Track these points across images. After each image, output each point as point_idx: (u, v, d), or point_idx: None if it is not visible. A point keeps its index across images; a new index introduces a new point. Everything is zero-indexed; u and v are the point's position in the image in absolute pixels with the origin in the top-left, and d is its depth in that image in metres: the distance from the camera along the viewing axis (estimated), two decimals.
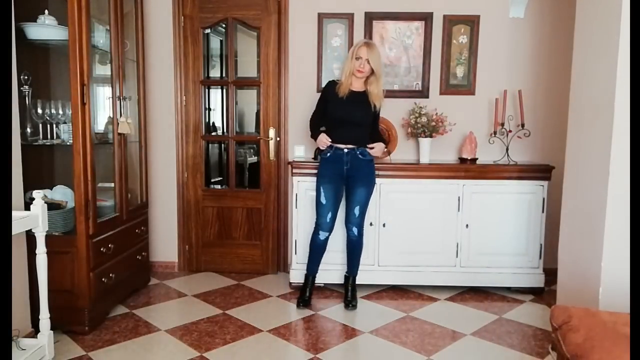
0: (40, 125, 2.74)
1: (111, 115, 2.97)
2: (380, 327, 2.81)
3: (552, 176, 3.32)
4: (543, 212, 3.32)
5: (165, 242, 3.80)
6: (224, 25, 3.77)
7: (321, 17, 3.57)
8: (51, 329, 2.24)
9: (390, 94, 3.62)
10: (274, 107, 3.68)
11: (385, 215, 3.32)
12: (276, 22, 3.60)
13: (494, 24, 3.57)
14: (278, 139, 3.69)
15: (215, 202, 3.78)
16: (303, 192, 3.33)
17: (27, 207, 2.24)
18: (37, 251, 2.14)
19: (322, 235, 3.06)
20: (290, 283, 3.43)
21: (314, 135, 3.09)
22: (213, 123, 4.21)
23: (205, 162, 3.82)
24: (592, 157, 2.33)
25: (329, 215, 3.03)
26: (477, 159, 3.47)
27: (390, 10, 3.56)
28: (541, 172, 3.32)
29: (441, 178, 3.32)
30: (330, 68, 3.61)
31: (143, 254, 3.35)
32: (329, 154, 3.02)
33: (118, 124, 2.93)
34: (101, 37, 2.93)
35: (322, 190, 3.02)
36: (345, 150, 2.99)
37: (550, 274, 3.22)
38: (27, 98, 2.67)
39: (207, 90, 3.90)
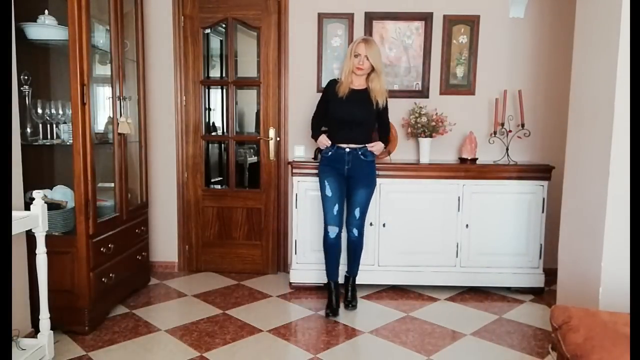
0: (40, 125, 2.75)
1: (111, 115, 2.97)
2: (380, 327, 2.81)
3: (552, 176, 3.32)
4: (543, 212, 3.32)
5: (165, 242, 3.80)
6: (224, 25, 3.78)
7: (321, 17, 3.57)
8: (51, 329, 2.25)
9: (390, 94, 3.60)
10: (274, 107, 3.68)
11: (385, 215, 3.32)
12: (276, 22, 3.60)
13: (494, 24, 3.57)
14: (278, 139, 3.69)
15: (215, 202, 3.78)
16: (303, 192, 3.33)
17: (27, 207, 2.24)
18: (37, 251, 2.14)
19: (332, 231, 3.00)
20: (290, 283, 3.43)
21: (315, 136, 3.08)
22: (213, 123, 4.21)
23: (205, 162, 3.82)
24: (592, 157, 2.33)
25: (336, 207, 2.99)
26: (477, 159, 3.47)
27: (390, 10, 3.56)
28: (541, 172, 3.32)
29: (441, 178, 3.32)
30: (330, 68, 3.61)
31: (143, 254, 3.35)
32: (330, 153, 3.02)
33: (118, 124, 2.93)
34: (101, 37, 2.93)
35: (326, 183, 3.00)
36: (347, 149, 2.99)
37: (550, 274, 3.22)
38: (27, 98, 2.67)
39: (207, 90, 3.91)
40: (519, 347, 2.60)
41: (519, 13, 3.55)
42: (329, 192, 3.00)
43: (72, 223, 2.64)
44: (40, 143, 2.75)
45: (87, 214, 2.60)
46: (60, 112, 2.75)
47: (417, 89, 3.64)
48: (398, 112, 3.60)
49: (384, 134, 3.11)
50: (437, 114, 3.51)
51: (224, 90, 4.08)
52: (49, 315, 2.21)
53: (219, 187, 4.10)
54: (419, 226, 3.33)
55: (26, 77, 2.65)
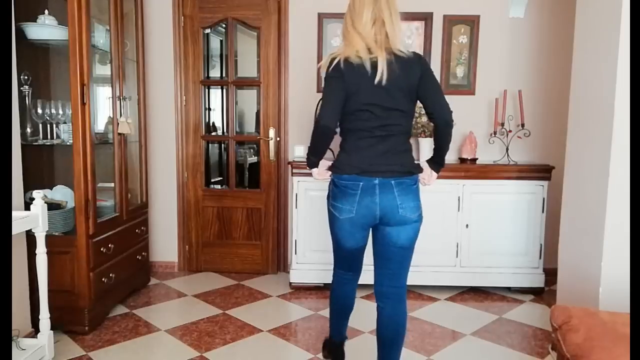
0: (40, 125, 2.75)
1: (111, 115, 2.97)
2: None
3: (552, 176, 3.32)
4: (543, 212, 3.32)
5: (165, 242, 3.80)
6: (224, 25, 3.78)
7: (321, 17, 3.57)
8: (51, 329, 2.25)
9: None
10: (274, 107, 3.68)
11: None
12: (276, 22, 3.60)
13: (494, 24, 3.57)
14: (278, 139, 3.69)
15: (215, 202, 3.78)
16: (303, 192, 3.33)
17: (27, 207, 2.24)
18: (37, 251, 2.14)
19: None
20: (290, 283, 3.43)
21: None
22: (213, 123, 4.21)
23: (205, 162, 3.82)
24: (592, 157, 2.33)
25: None
26: (477, 159, 3.47)
27: None
28: (541, 172, 3.32)
29: (441, 178, 3.28)
30: None
31: (143, 254, 3.35)
32: None
33: (118, 124, 2.93)
34: (101, 37, 2.93)
35: None
36: None
37: (550, 274, 3.22)
38: (27, 98, 2.67)
39: (207, 90, 3.91)
40: (519, 347, 2.60)
41: (519, 13, 3.55)
42: None
43: (72, 223, 2.64)
44: (40, 143, 2.75)
45: (87, 214, 2.60)
46: (60, 112, 2.75)
47: None
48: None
49: None
50: None
51: (224, 90, 4.08)
52: (49, 315, 2.22)
53: (219, 187, 4.10)
54: None
55: (26, 77, 2.65)
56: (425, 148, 3.47)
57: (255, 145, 4.12)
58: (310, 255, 3.37)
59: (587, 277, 2.32)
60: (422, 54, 3.57)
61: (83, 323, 2.63)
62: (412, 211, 1.84)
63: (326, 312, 3.03)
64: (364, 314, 3.01)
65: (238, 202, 3.77)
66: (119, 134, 2.96)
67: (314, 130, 1.86)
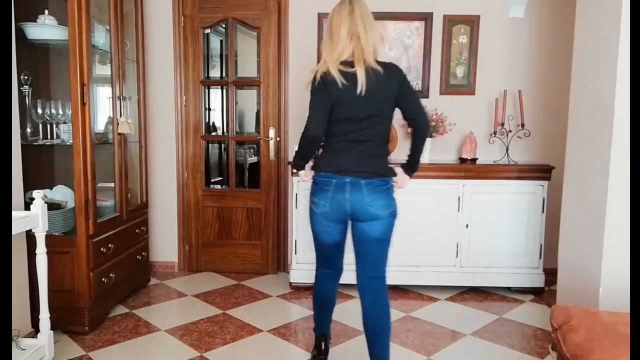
0: (40, 125, 2.75)
1: (111, 115, 2.97)
2: None
3: (552, 176, 3.32)
4: (543, 212, 3.32)
5: (165, 242, 3.80)
6: (224, 25, 3.78)
7: (321, 17, 3.57)
8: (51, 329, 2.24)
9: None
10: (274, 107, 3.68)
11: None
12: (276, 22, 3.60)
13: (494, 24, 3.57)
14: (278, 139, 3.69)
15: (215, 202, 3.78)
16: (303, 192, 3.33)
17: (27, 207, 2.24)
18: (37, 251, 2.14)
19: None
20: (290, 283, 3.43)
21: None
22: (213, 123, 4.21)
23: (205, 162, 3.82)
24: (592, 157, 2.33)
25: None
26: (477, 159, 3.47)
27: (390, 10, 3.56)
28: (541, 172, 3.32)
29: (441, 178, 3.31)
30: None
31: (143, 254, 3.35)
32: None
33: (118, 124, 2.93)
34: (101, 37, 2.93)
35: None
36: None
37: (550, 274, 3.22)
38: (27, 98, 2.67)
39: (207, 90, 3.91)
40: (519, 347, 2.60)
41: (519, 13, 3.55)
42: None
43: (72, 223, 2.64)
44: (40, 143, 2.75)
45: (87, 214, 2.60)
46: (60, 112, 2.75)
47: (417, 89, 3.63)
48: (398, 112, 3.59)
49: None
50: (437, 114, 3.51)
51: (224, 90, 4.08)
52: (49, 315, 2.21)
53: (219, 187, 4.10)
54: (418, 226, 3.33)
55: (26, 77, 2.65)
56: (425, 148, 3.47)
57: (255, 145, 4.12)
58: (311, 255, 3.35)
59: (587, 277, 2.32)
60: (422, 53, 3.60)
61: (83, 323, 2.63)
62: (382, 209, 1.99)
63: None
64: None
65: (238, 202, 3.78)
66: (119, 134, 2.96)
67: (303, 138, 2.04)
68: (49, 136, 2.77)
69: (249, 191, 3.88)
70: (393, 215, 2.04)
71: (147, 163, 3.44)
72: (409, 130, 3.49)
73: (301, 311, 3.05)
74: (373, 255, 2.05)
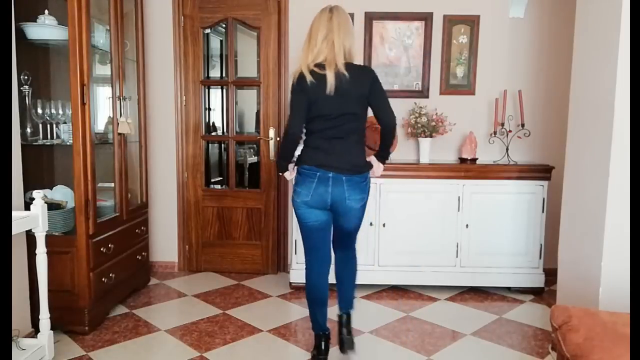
0: (40, 125, 2.75)
1: (111, 115, 2.97)
2: (380, 327, 2.81)
3: (552, 176, 3.32)
4: (543, 212, 3.32)
5: (165, 242, 3.80)
6: (224, 25, 3.78)
7: None
8: (51, 329, 2.24)
9: (390, 94, 3.57)
10: (274, 107, 3.68)
11: (385, 215, 3.32)
12: (276, 22, 3.60)
13: (494, 24, 3.57)
14: (278, 138, 3.69)
15: (215, 202, 3.78)
16: None
17: (27, 207, 2.24)
18: (37, 251, 2.14)
19: None
20: (290, 283, 3.43)
21: None
22: (213, 123, 4.21)
23: (205, 162, 3.82)
24: (592, 157, 2.33)
25: None
26: (477, 159, 3.47)
27: (390, 10, 3.56)
28: (541, 172, 3.32)
29: (441, 178, 3.31)
30: None
31: (143, 254, 3.35)
32: None
33: (118, 124, 2.93)
34: (101, 37, 2.93)
35: None
36: None
37: (550, 274, 3.22)
38: (27, 98, 2.67)
39: (207, 90, 3.91)
40: (519, 347, 2.60)
41: (519, 13, 3.55)
42: None
43: (72, 223, 2.64)
44: (40, 143, 2.75)
45: (87, 214, 2.60)
46: (60, 112, 2.75)
47: (417, 89, 3.64)
48: (398, 112, 3.56)
49: None
50: (437, 114, 3.52)
51: (224, 90, 4.08)
52: (49, 315, 2.21)
53: (219, 187, 4.10)
54: (419, 226, 3.33)
55: (26, 77, 2.65)
56: (425, 147, 3.48)
57: (255, 145, 4.12)
58: None
59: (587, 277, 2.32)
60: (422, 53, 3.60)
61: (83, 323, 2.63)
62: (356, 202, 2.26)
63: None
64: (363, 314, 3.01)
65: (238, 202, 3.78)
66: (119, 134, 2.96)
67: (284, 137, 2.26)
68: (49, 136, 2.77)
69: (249, 191, 3.87)
70: (365, 205, 2.34)
71: (147, 163, 3.44)
72: (409, 130, 3.54)
73: (301, 311, 3.05)
74: (348, 237, 2.42)
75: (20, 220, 2.01)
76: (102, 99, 3.01)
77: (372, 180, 2.93)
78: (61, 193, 2.73)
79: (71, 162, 2.57)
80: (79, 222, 2.59)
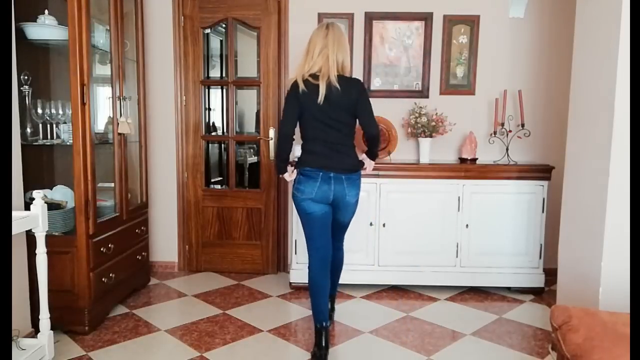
0: (40, 125, 2.75)
1: (111, 115, 2.97)
2: (380, 327, 2.81)
3: (552, 176, 3.32)
4: (543, 212, 3.32)
5: (165, 242, 3.80)
6: (224, 25, 3.78)
7: (321, 17, 3.57)
8: (51, 329, 2.24)
9: (390, 94, 3.63)
10: (274, 107, 3.68)
11: (385, 215, 3.32)
12: (276, 22, 3.60)
13: (494, 24, 3.57)
14: None
15: (215, 202, 3.78)
16: None
17: (27, 207, 2.24)
18: (37, 251, 2.14)
19: None
20: (290, 283, 3.43)
21: None
22: (213, 123, 4.21)
23: (205, 162, 3.82)
24: (592, 157, 2.33)
25: None
26: (477, 159, 3.47)
27: (390, 10, 3.56)
28: (541, 172, 3.32)
29: (441, 178, 3.31)
30: None
31: (143, 254, 3.35)
32: None
33: (118, 124, 2.93)
34: (101, 37, 2.93)
35: None
36: None
37: (550, 274, 3.22)
38: (27, 98, 2.67)
39: (207, 90, 3.91)
40: (519, 347, 2.60)
41: (519, 13, 3.55)
42: None
43: (72, 223, 2.64)
44: (40, 143, 2.75)
45: (87, 214, 2.60)
46: (60, 112, 2.75)
47: (417, 89, 3.64)
48: (398, 112, 3.61)
49: None
50: (437, 114, 3.52)
51: (224, 90, 4.08)
52: (49, 315, 2.21)
53: (219, 187, 4.10)
54: (419, 226, 3.33)
55: (26, 77, 2.65)
56: (425, 147, 3.48)
57: (255, 145, 4.12)
58: None
59: (587, 277, 2.32)
60: (422, 53, 3.60)
61: (83, 323, 2.63)
62: (353, 197, 2.53)
63: None
64: (364, 314, 3.01)
65: (238, 202, 3.78)
66: (119, 134, 2.96)
67: (278, 138, 2.49)
68: (49, 136, 2.77)
69: (249, 191, 3.87)
70: (358, 200, 2.60)
71: (147, 163, 3.44)
72: (409, 130, 3.54)
73: (301, 311, 3.05)
74: (341, 231, 2.70)
75: (20, 220, 2.01)
76: (102, 99, 3.01)
77: (372, 180, 3.18)
78: (61, 193, 2.73)
79: (71, 162, 2.57)
80: (79, 222, 2.59)
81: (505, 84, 3.56)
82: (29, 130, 2.71)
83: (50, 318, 2.22)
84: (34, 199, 2.12)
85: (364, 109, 2.45)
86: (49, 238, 2.21)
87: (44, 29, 2.63)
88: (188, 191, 3.78)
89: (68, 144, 2.64)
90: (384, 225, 3.32)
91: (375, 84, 3.64)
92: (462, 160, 3.48)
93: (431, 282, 3.37)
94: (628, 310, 1.70)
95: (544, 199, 3.32)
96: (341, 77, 2.41)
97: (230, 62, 3.75)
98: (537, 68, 3.61)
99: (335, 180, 2.43)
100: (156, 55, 3.62)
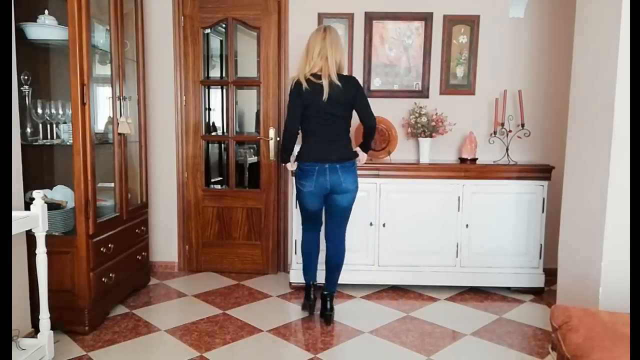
0: (40, 125, 2.75)
1: (111, 115, 2.97)
2: (380, 327, 2.81)
3: (552, 176, 3.32)
4: (543, 212, 3.32)
5: (165, 242, 3.80)
6: (224, 25, 3.77)
7: (321, 17, 3.57)
8: (51, 329, 2.25)
9: (390, 94, 3.63)
10: (274, 107, 3.68)
11: (385, 215, 3.32)
12: (276, 22, 3.60)
13: (494, 24, 3.57)
14: (278, 138, 3.69)
15: (215, 202, 3.78)
16: None
17: (27, 207, 2.24)
18: (37, 251, 2.14)
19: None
20: (290, 283, 3.43)
21: None
22: (213, 123, 4.21)
23: (205, 162, 3.82)
24: (592, 157, 2.33)
25: None
26: (477, 159, 3.47)
27: (390, 10, 3.56)
28: (541, 172, 3.32)
29: (441, 178, 3.32)
30: None
31: (143, 254, 3.35)
32: None
33: (118, 124, 2.93)
34: (101, 37, 2.93)
35: None
36: None
37: (550, 274, 3.22)
38: (27, 98, 2.67)
39: (207, 90, 3.91)
40: (519, 347, 2.60)
41: (519, 13, 3.55)
42: None
43: (72, 223, 2.64)
44: (40, 143, 2.75)
45: (87, 214, 2.60)
46: (60, 112, 2.75)
47: (417, 89, 3.64)
48: (398, 112, 3.61)
49: None
50: (437, 114, 3.52)
51: (224, 90, 4.08)
52: (49, 315, 2.21)
53: (219, 187, 4.10)
54: (419, 226, 3.33)
55: (26, 77, 2.65)
56: (425, 147, 3.48)
57: (255, 145, 4.12)
58: None
59: (587, 277, 2.32)
60: (422, 53, 3.60)
61: (83, 323, 2.63)
62: (350, 184, 2.75)
63: None
64: (364, 314, 3.02)
65: (238, 202, 3.78)
66: (119, 134, 2.96)
67: (284, 133, 2.76)
68: (49, 136, 2.77)
69: (248, 191, 3.87)
70: (357, 188, 2.80)
71: (147, 163, 3.44)
72: (409, 130, 3.54)
73: (301, 311, 3.05)
74: (340, 218, 2.86)
75: (20, 220, 2.01)
76: (102, 99, 3.01)
77: (372, 180, 3.30)
78: (61, 193, 2.73)
79: (71, 162, 2.57)
80: (79, 222, 2.59)
81: (505, 84, 3.57)
82: (29, 130, 2.71)
83: (50, 318, 2.22)
84: (34, 199, 2.12)
85: (362, 102, 2.73)
86: (49, 238, 2.21)
87: (44, 29, 2.63)
88: (188, 191, 3.78)
89: (68, 144, 2.64)
90: (384, 225, 3.32)
91: (375, 84, 3.64)
92: (462, 160, 3.48)
93: (431, 282, 3.37)
94: (628, 310, 1.70)
95: (544, 199, 3.32)
96: (340, 76, 2.67)
97: (230, 62, 3.75)
98: (537, 68, 3.61)
99: (330, 170, 2.69)
100: (156, 55, 3.62)
